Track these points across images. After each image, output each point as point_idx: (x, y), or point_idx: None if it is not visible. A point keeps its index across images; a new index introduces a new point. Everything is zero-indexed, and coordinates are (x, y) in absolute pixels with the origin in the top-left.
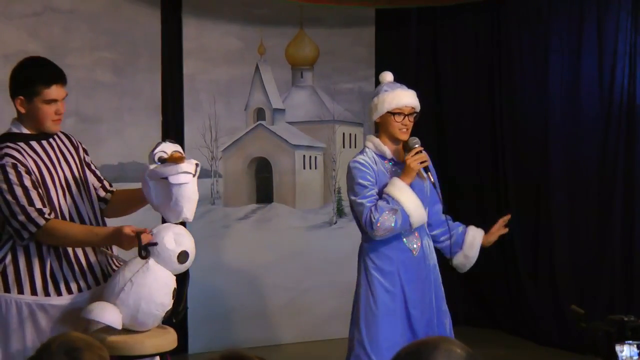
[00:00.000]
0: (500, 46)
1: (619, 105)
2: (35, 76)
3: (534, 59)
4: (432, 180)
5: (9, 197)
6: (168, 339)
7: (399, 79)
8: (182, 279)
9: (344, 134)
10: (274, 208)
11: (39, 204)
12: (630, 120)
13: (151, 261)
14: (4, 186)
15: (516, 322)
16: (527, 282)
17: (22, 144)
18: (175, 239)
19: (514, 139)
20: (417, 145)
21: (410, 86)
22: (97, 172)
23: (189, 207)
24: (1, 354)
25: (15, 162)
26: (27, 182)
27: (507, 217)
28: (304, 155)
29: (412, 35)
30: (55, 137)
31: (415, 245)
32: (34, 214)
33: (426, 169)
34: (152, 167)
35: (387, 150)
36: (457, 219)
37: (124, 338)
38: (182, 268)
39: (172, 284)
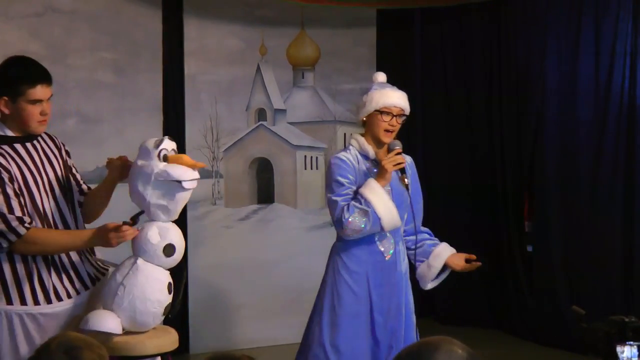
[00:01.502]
0: (501, 46)
1: (618, 105)
2: (19, 76)
3: (534, 59)
4: (406, 182)
5: None
6: (169, 339)
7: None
8: (180, 274)
9: (345, 134)
10: (275, 208)
11: (19, 213)
12: (631, 121)
13: (140, 260)
14: None
15: (516, 322)
16: (527, 283)
17: (6, 147)
18: (160, 233)
19: (513, 139)
20: (397, 147)
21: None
22: (77, 176)
23: (180, 210)
24: None
25: None
26: (9, 190)
27: (476, 264)
28: (305, 156)
29: (412, 35)
30: (39, 138)
31: (388, 250)
32: (15, 223)
33: (402, 171)
34: (161, 166)
35: (371, 150)
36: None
37: (125, 338)
38: (171, 262)
39: (165, 279)
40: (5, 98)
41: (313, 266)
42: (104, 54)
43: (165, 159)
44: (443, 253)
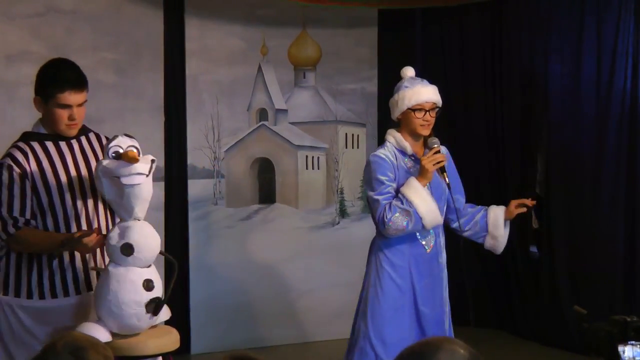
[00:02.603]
0: (502, 46)
1: (620, 106)
2: (51, 79)
3: (535, 59)
4: (447, 181)
5: None
6: (171, 340)
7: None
8: (170, 270)
9: (346, 134)
10: (277, 208)
11: (17, 213)
12: (633, 121)
13: (111, 266)
14: None
15: (518, 322)
16: (528, 282)
17: (35, 144)
18: (119, 233)
19: (515, 139)
20: (435, 145)
21: None
22: None
23: (140, 206)
24: (2, 351)
25: (13, 164)
26: (16, 189)
27: (528, 201)
28: (307, 156)
29: (414, 35)
30: (82, 138)
31: (429, 243)
32: (9, 222)
33: (443, 169)
34: (105, 162)
35: (408, 145)
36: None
37: (127, 339)
38: (133, 260)
39: (138, 278)
40: (39, 98)
41: (314, 266)
42: (106, 54)
43: (117, 155)
44: (498, 220)
